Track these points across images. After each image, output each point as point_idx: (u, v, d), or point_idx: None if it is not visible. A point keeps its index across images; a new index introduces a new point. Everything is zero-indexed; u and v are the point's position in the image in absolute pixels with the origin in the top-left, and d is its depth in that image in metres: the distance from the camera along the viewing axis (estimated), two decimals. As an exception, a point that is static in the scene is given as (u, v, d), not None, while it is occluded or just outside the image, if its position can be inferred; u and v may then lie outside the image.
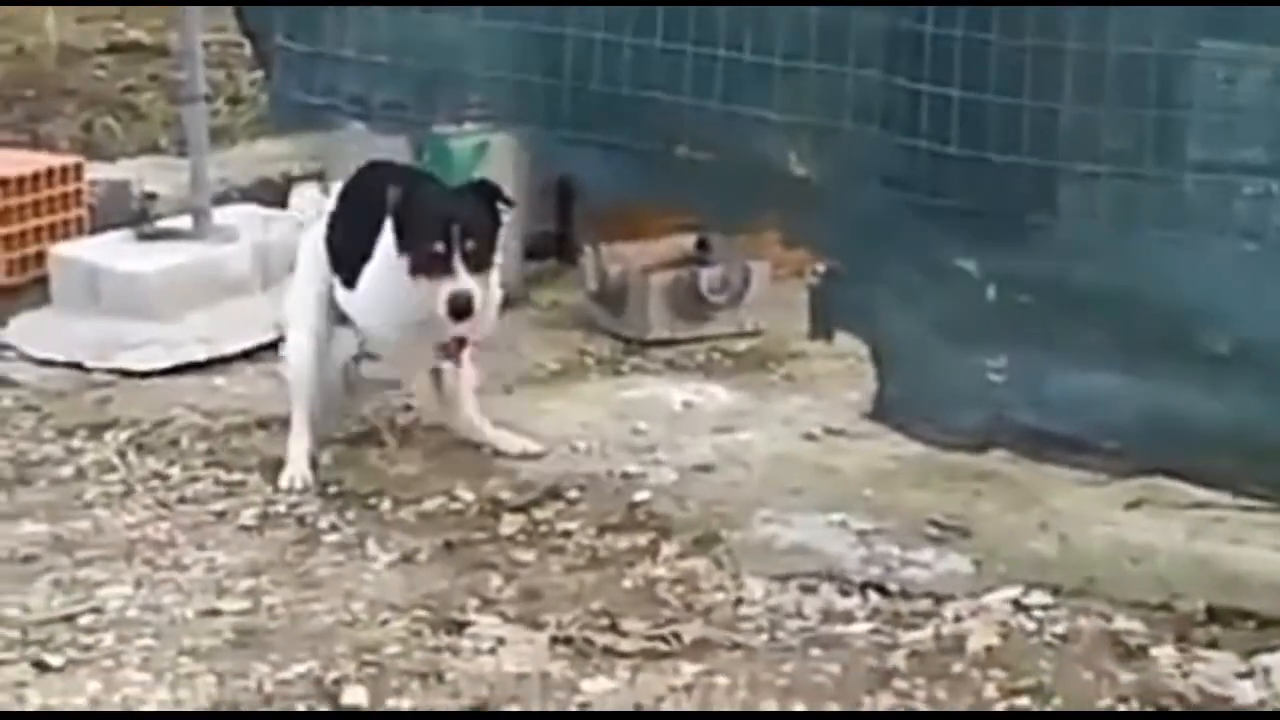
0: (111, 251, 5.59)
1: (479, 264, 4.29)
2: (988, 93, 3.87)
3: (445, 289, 4.24)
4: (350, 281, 4.54)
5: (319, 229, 4.68)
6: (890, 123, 4.05)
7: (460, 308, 4.24)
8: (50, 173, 5.87)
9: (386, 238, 4.40)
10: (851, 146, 4.15)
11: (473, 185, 4.49)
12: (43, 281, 5.63)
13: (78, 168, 5.98)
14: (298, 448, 4.56)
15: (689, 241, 5.64)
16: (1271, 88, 3.74)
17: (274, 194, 6.15)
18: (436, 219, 4.28)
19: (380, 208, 4.41)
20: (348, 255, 4.57)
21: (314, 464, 4.55)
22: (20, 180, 5.77)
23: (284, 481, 4.50)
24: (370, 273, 4.47)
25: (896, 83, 4.01)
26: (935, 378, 4.15)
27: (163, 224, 5.80)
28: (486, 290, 4.33)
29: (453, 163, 5.65)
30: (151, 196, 6.19)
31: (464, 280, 4.24)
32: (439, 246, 4.25)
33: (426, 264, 4.28)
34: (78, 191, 5.92)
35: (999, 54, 3.88)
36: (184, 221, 5.72)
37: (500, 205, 4.40)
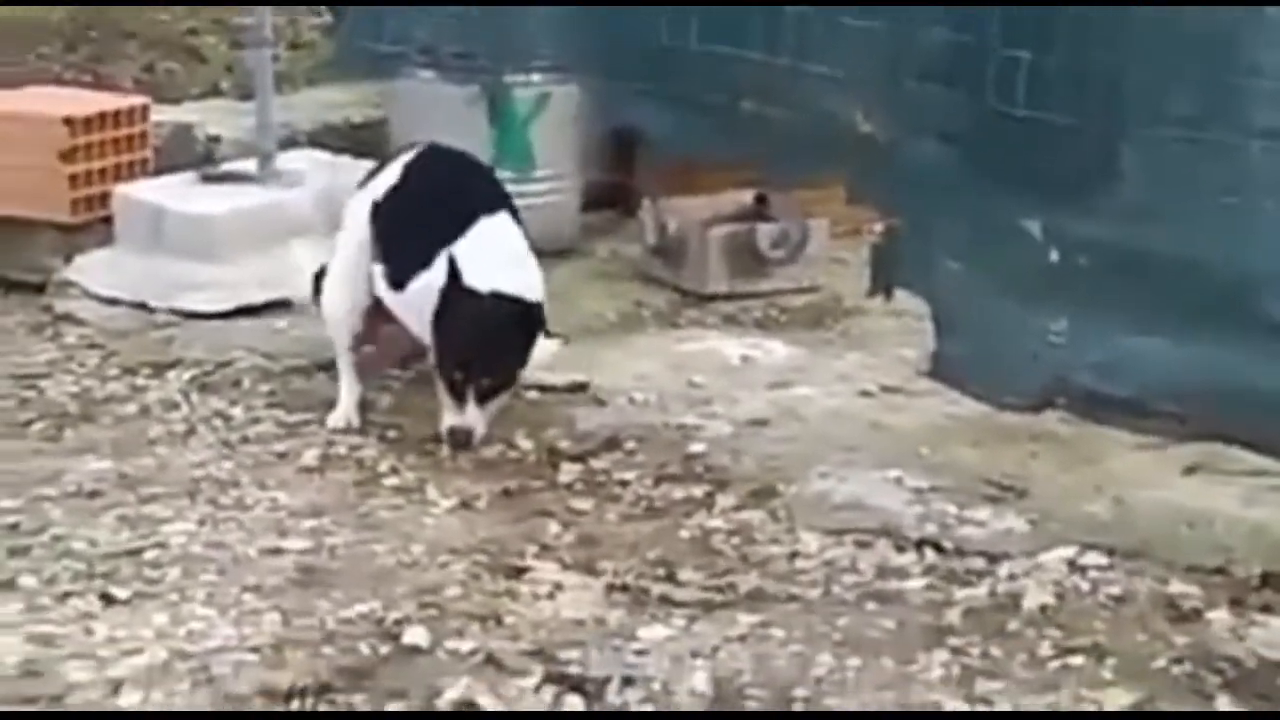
0: (177, 193, 5.63)
1: (493, 393, 4.33)
2: (1055, 54, 3.88)
3: (448, 418, 4.33)
4: (399, 282, 4.50)
5: (367, 195, 4.64)
6: (956, 82, 4.05)
7: (457, 442, 4.33)
8: (118, 113, 5.88)
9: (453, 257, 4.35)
10: (917, 105, 4.15)
11: (511, 309, 4.34)
12: (108, 221, 5.67)
13: (144, 109, 5.99)
14: (347, 391, 4.60)
15: (748, 197, 5.66)
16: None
17: (338, 139, 6.19)
18: (461, 346, 4.30)
19: (441, 212, 4.40)
20: (398, 250, 4.52)
21: (363, 407, 4.60)
22: (87, 120, 5.78)
23: (331, 421, 4.54)
24: (426, 286, 4.40)
25: (964, 41, 4.01)
26: (994, 338, 4.16)
27: (227, 166, 5.85)
28: (493, 411, 4.34)
29: (514, 113, 5.68)
30: (215, 140, 6.23)
31: (470, 416, 4.31)
32: (456, 375, 4.31)
33: (445, 379, 4.34)
34: (144, 133, 5.93)
35: (1068, 15, 3.88)
36: (249, 165, 5.76)
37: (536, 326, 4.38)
